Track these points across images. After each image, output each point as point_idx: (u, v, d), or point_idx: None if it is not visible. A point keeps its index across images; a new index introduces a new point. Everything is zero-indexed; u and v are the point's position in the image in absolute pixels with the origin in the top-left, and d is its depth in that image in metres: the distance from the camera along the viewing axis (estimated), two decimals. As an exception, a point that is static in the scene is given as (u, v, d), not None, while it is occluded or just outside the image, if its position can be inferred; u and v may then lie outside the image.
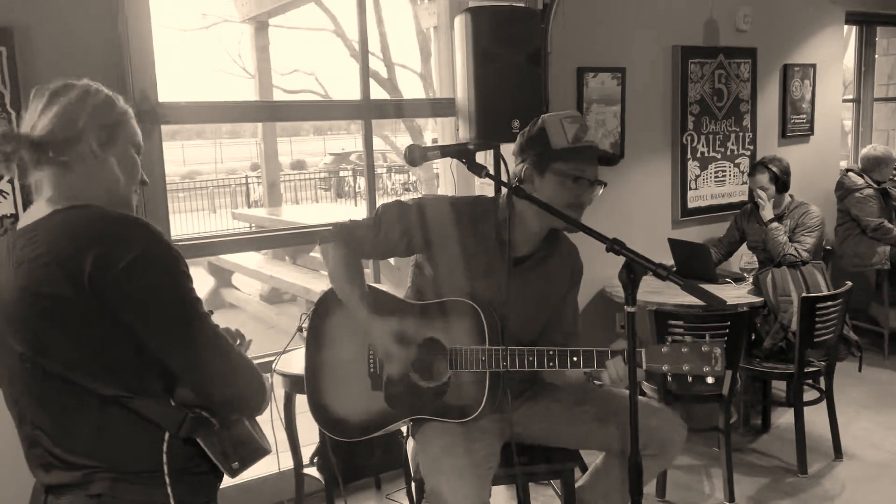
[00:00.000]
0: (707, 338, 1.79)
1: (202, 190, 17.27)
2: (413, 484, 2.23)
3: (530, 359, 1.97)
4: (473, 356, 2.02)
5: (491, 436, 2.10)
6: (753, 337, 3.79)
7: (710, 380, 1.76)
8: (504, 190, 1.90)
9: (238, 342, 1.73)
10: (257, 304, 8.12)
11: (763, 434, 3.85)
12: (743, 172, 4.72)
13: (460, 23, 3.09)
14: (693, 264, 4.01)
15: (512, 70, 3.04)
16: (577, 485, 2.25)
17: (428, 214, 2.11)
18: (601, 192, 2.09)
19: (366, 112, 3.35)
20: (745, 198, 4.63)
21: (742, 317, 3.07)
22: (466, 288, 2.09)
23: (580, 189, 2.05)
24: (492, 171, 1.83)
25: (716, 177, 4.66)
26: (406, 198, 2.23)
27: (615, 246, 1.55)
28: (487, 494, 1.93)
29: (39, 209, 1.36)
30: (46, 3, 2.61)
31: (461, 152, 1.65)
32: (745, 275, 3.95)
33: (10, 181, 2.59)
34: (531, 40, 3.09)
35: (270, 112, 3.82)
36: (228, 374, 1.37)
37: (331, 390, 2.12)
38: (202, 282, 9.13)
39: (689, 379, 1.74)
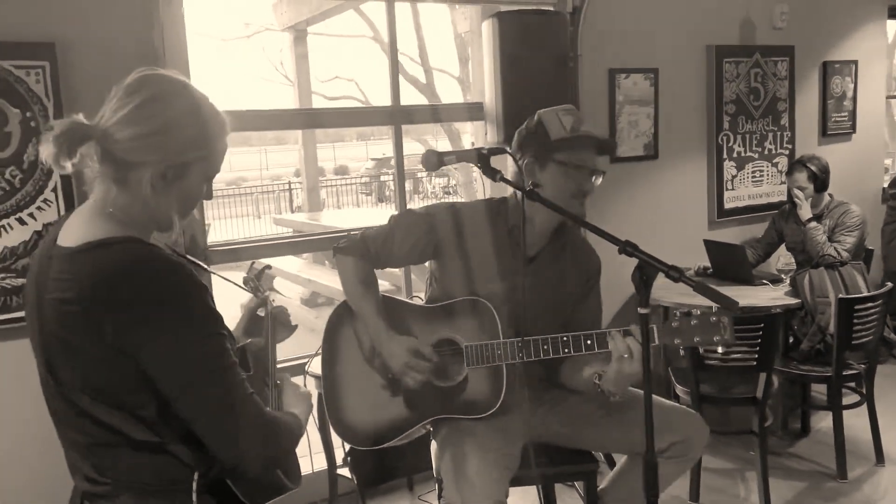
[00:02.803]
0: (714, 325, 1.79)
1: (248, 196, 17.58)
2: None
3: (545, 347, 1.99)
4: (489, 351, 2.05)
5: (511, 436, 2.12)
6: (792, 340, 3.73)
7: (720, 349, 1.79)
8: (511, 191, 1.92)
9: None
10: (297, 308, 8.25)
11: (802, 438, 3.78)
12: (781, 172, 4.64)
13: (488, 27, 3.12)
14: (729, 265, 3.96)
15: (539, 73, 3.06)
16: (599, 487, 2.25)
17: (439, 221, 2.14)
18: (600, 181, 2.12)
19: (396, 117, 3.39)
20: (784, 198, 4.55)
21: (776, 318, 3.02)
22: (481, 290, 2.11)
23: (581, 178, 2.08)
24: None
25: (753, 177, 4.59)
26: (417, 205, 2.27)
27: (628, 248, 1.56)
28: (504, 495, 1.94)
29: (80, 227, 1.28)
30: (86, 18, 2.71)
31: (476, 157, 1.67)
32: (783, 276, 3.88)
33: (54, 190, 2.70)
34: (559, 43, 3.11)
35: (301, 119, 3.89)
36: (250, 450, 1.29)
37: (350, 401, 2.14)
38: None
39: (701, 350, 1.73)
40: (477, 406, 2.07)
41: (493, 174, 1.67)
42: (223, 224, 14.81)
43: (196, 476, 1.31)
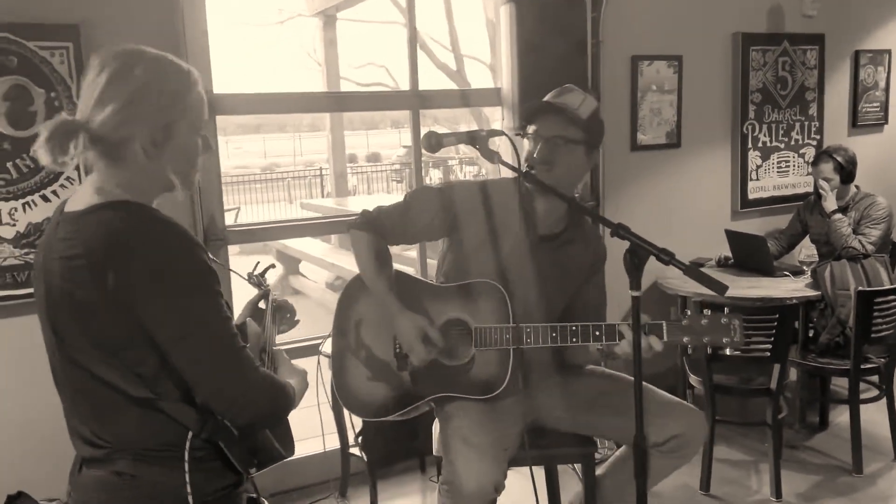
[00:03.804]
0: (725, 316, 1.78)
1: (280, 181, 17.76)
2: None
3: (553, 335, 2.00)
4: (497, 334, 2.06)
5: (511, 417, 2.13)
6: (812, 332, 3.68)
7: (728, 351, 1.79)
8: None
9: (288, 315, 1.82)
10: (322, 292, 8.34)
11: (820, 432, 3.74)
12: (808, 163, 4.57)
13: (506, 12, 3.12)
14: (750, 256, 3.93)
15: (557, 59, 3.06)
16: (597, 473, 2.25)
17: (454, 198, 2.15)
18: (566, 148, 2.08)
19: (414, 101, 3.41)
20: (811, 189, 4.48)
21: (791, 309, 3.00)
22: (493, 268, 2.12)
23: (534, 145, 2.08)
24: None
25: (778, 167, 4.52)
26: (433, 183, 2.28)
27: (620, 231, 1.56)
28: (502, 475, 1.96)
29: (85, 195, 1.35)
30: (109, 1, 2.76)
31: (474, 139, 1.68)
32: (804, 268, 3.83)
33: (77, 168, 2.77)
34: (576, 29, 3.09)
35: (321, 103, 3.93)
36: (240, 397, 1.34)
37: (356, 371, 2.18)
38: (271, 269, 9.42)
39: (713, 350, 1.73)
40: (481, 387, 2.09)
41: (490, 156, 1.68)
42: (256, 208, 15.00)
43: (189, 435, 1.35)
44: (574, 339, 2.00)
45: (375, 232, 2.17)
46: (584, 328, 2.00)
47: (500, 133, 1.78)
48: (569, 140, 2.05)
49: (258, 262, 1.93)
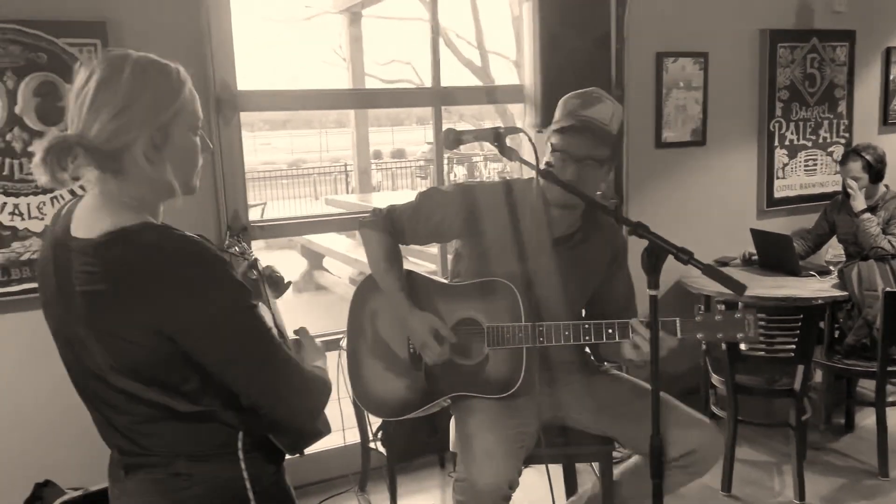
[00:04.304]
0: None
1: (306, 177, 17.87)
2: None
3: (566, 333, 1.99)
4: (510, 333, 2.06)
5: (527, 415, 2.13)
6: (837, 333, 3.63)
7: (743, 346, 1.78)
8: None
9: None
10: (346, 287, 8.38)
11: (846, 434, 3.68)
12: (836, 161, 4.50)
13: (528, 8, 3.11)
14: (775, 255, 3.88)
15: (579, 55, 3.04)
16: (616, 472, 2.24)
17: (466, 199, 2.15)
18: (600, 171, 2.07)
19: (435, 98, 3.41)
20: (839, 188, 4.41)
21: (816, 310, 2.96)
22: (505, 269, 2.11)
23: (560, 164, 2.03)
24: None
25: (805, 166, 4.46)
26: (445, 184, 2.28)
27: (639, 230, 1.55)
28: (517, 472, 1.96)
29: (94, 219, 1.28)
30: (136, -2, 2.81)
31: (492, 136, 1.68)
32: (831, 268, 3.78)
33: (103, 163, 2.81)
34: (600, 25, 3.07)
35: (343, 100, 3.95)
36: (298, 404, 1.38)
37: (371, 371, 2.18)
38: (296, 264, 9.51)
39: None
40: (495, 386, 2.09)
41: (509, 153, 1.68)
42: (282, 204, 15.11)
43: (241, 436, 1.36)
44: (587, 338, 1.99)
45: (386, 231, 2.17)
46: (597, 326, 1.99)
47: (518, 130, 1.78)
48: (598, 159, 2.05)
49: (227, 231, 1.81)
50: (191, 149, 1.36)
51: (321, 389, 1.43)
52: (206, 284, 1.25)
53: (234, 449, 1.36)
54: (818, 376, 3.81)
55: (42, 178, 1.24)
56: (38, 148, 1.23)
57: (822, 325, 3.47)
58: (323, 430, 1.55)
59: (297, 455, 1.49)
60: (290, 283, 1.79)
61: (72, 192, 2.78)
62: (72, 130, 1.27)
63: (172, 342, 1.24)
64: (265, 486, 1.40)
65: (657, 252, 1.51)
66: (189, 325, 1.24)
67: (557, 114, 2.06)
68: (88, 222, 1.29)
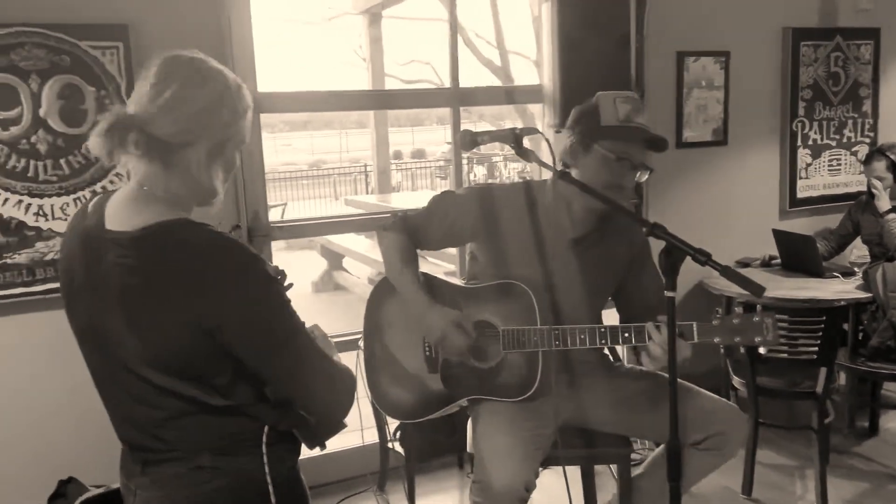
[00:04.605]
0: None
1: (326, 178, 17.94)
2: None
3: (582, 337, 1.98)
4: (525, 336, 2.05)
5: (544, 417, 2.12)
6: (861, 335, 3.58)
7: (762, 350, 1.76)
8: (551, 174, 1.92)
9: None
10: (365, 287, 8.40)
11: (870, 438, 3.63)
12: (860, 161, 4.44)
13: (547, 8, 3.10)
14: (798, 256, 3.84)
15: (599, 55, 3.03)
16: (634, 472, 2.23)
17: (479, 202, 2.15)
18: (646, 177, 2.05)
19: (453, 99, 3.41)
20: (863, 188, 4.35)
21: (838, 311, 2.92)
22: (520, 271, 2.11)
23: (622, 170, 2.02)
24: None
25: (829, 165, 4.41)
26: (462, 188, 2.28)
27: (656, 230, 1.54)
28: (533, 474, 1.95)
29: (132, 211, 1.32)
30: (158, 1, 2.83)
31: (509, 137, 1.68)
32: (855, 269, 3.73)
33: (124, 165, 2.84)
34: (619, 24, 3.06)
35: (362, 101, 3.96)
36: (324, 392, 1.42)
37: (388, 374, 2.19)
38: (316, 264, 9.55)
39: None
40: (512, 389, 2.09)
41: (526, 155, 1.67)
42: (302, 204, 15.18)
43: (266, 430, 1.39)
44: (603, 342, 1.98)
45: (403, 234, 2.18)
46: (613, 330, 1.98)
47: (535, 131, 1.77)
48: (647, 166, 2.06)
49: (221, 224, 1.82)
50: (232, 165, 1.45)
51: (350, 382, 1.47)
52: (244, 280, 1.28)
53: (258, 443, 1.38)
54: (842, 379, 3.76)
55: (99, 150, 1.29)
56: (102, 120, 1.28)
57: (845, 326, 3.43)
58: (343, 422, 1.57)
59: (318, 449, 1.50)
60: (291, 284, 1.80)
61: (94, 193, 2.82)
62: (138, 112, 1.31)
63: (210, 336, 1.27)
64: (284, 478, 1.43)
65: (675, 253, 1.50)
66: (229, 320, 1.27)
67: (605, 116, 2.02)
68: (124, 216, 1.32)
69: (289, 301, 1.35)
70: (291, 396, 1.39)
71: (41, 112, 2.69)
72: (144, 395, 1.34)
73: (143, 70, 1.36)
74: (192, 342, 1.27)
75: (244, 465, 1.38)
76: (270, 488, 1.39)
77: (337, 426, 1.52)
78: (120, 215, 1.33)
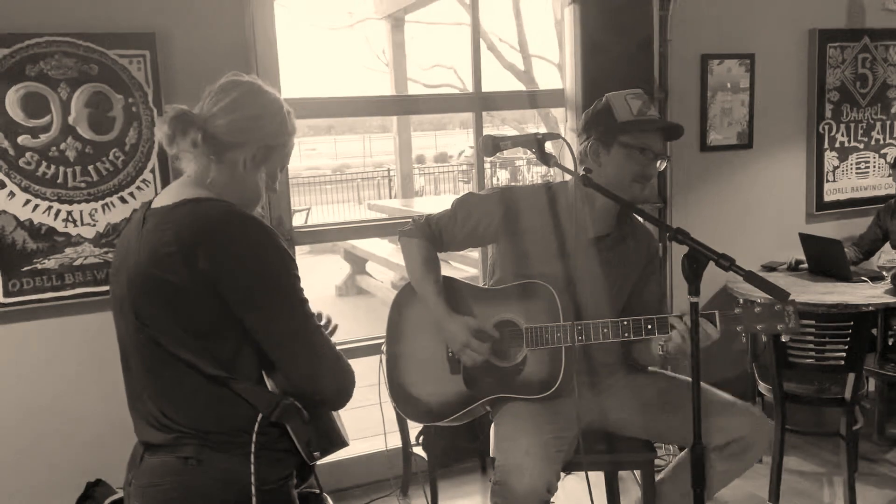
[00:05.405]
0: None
1: (350, 182, 18.02)
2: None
3: (605, 331, 1.99)
4: (549, 333, 2.06)
5: (567, 420, 2.12)
6: (892, 341, 3.53)
7: (784, 338, 1.76)
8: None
9: (326, 325, 1.86)
10: (388, 291, 8.43)
11: (900, 445, 3.58)
12: (889, 164, 4.37)
13: (570, 13, 3.10)
14: (825, 261, 3.78)
15: (621, 59, 3.02)
16: (658, 477, 2.22)
17: (500, 204, 2.17)
18: (664, 165, 2.13)
19: (475, 104, 3.41)
20: (892, 191, 4.29)
21: (866, 317, 2.88)
22: (542, 269, 2.12)
23: (645, 161, 2.08)
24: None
25: (857, 168, 4.35)
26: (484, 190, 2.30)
27: (678, 235, 1.53)
28: (555, 476, 1.95)
29: (175, 193, 1.50)
30: (183, 11, 2.87)
31: (530, 142, 1.68)
32: (884, 273, 3.67)
33: (152, 171, 2.89)
34: (642, 28, 3.05)
35: (384, 106, 3.96)
36: (318, 373, 1.47)
37: (410, 377, 2.20)
38: (339, 268, 9.60)
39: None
40: (535, 387, 2.09)
41: (547, 159, 1.68)
42: (326, 209, 15.27)
43: (259, 418, 1.44)
44: (626, 334, 1.98)
45: (424, 238, 2.21)
46: (636, 322, 1.99)
47: (557, 136, 1.77)
48: (666, 155, 2.14)
49: None
50: (274, 177, 1.61)
51: (348, 371, 1.52)
52: (258, 246, 1.41)
53: (247, 439, 1.43)
54: (870, 385, 3.70)
55: (162, 135, 1.50)
56: (170, 110, 1.50)
57: (874, 332, 3.38)
58: (345, 438, 1.62)
59: (312, 460, 1.52)
60: (336, 326, 1.86)
61: (121, 199, 2.87)
62: (201, 113, 1.52)
63: (221, 298, 1.39)
64: (270, 488, 1.46)
65: (697, 258, 1.50)
66: (237, 281, 1.39)
67: (620, 113, 2.09)
68: (168, 196, 1.51)
69: (300, 278, 1.45)
70: (288, 370, 1.45)
71: (70, 120, 2.74)
72: (155, 362, 1.45)
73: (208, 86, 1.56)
74: (206, 301, 1.39)
75: (228, 463, 1.42)
76: (254, 498, 1.41)
77: (331, 437, 1.56)
78: (165, 197, 1.52)
